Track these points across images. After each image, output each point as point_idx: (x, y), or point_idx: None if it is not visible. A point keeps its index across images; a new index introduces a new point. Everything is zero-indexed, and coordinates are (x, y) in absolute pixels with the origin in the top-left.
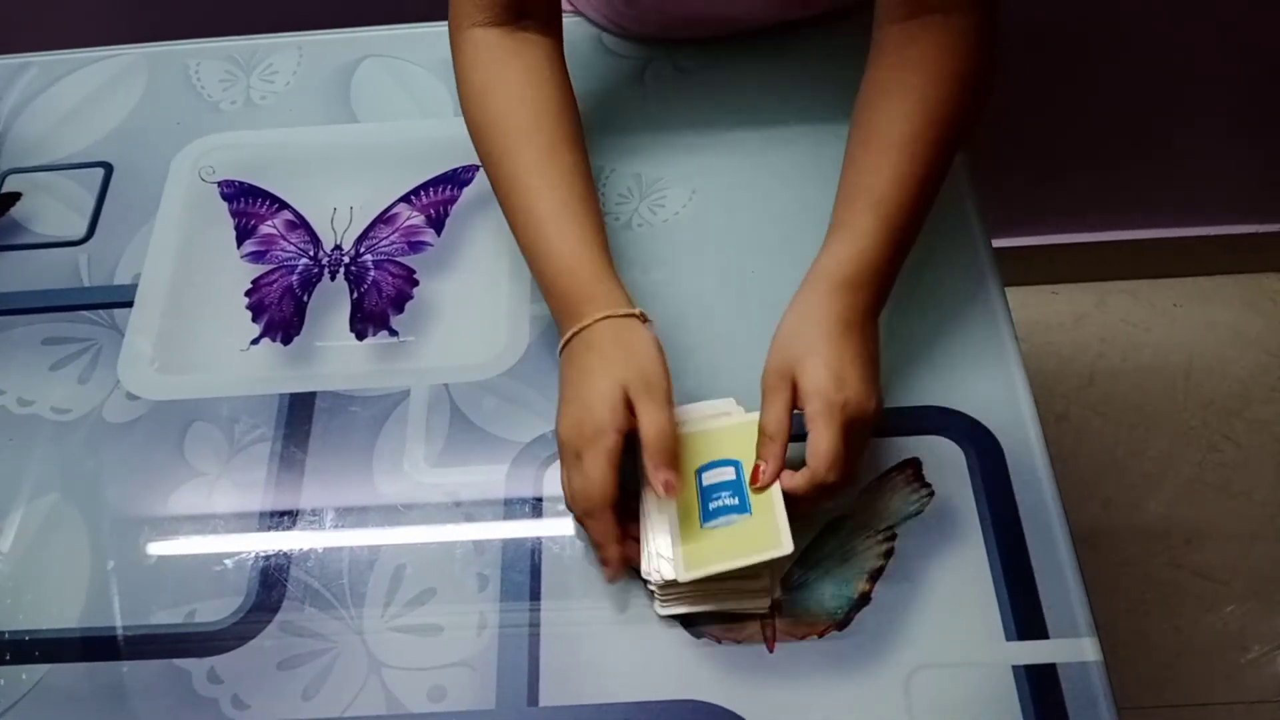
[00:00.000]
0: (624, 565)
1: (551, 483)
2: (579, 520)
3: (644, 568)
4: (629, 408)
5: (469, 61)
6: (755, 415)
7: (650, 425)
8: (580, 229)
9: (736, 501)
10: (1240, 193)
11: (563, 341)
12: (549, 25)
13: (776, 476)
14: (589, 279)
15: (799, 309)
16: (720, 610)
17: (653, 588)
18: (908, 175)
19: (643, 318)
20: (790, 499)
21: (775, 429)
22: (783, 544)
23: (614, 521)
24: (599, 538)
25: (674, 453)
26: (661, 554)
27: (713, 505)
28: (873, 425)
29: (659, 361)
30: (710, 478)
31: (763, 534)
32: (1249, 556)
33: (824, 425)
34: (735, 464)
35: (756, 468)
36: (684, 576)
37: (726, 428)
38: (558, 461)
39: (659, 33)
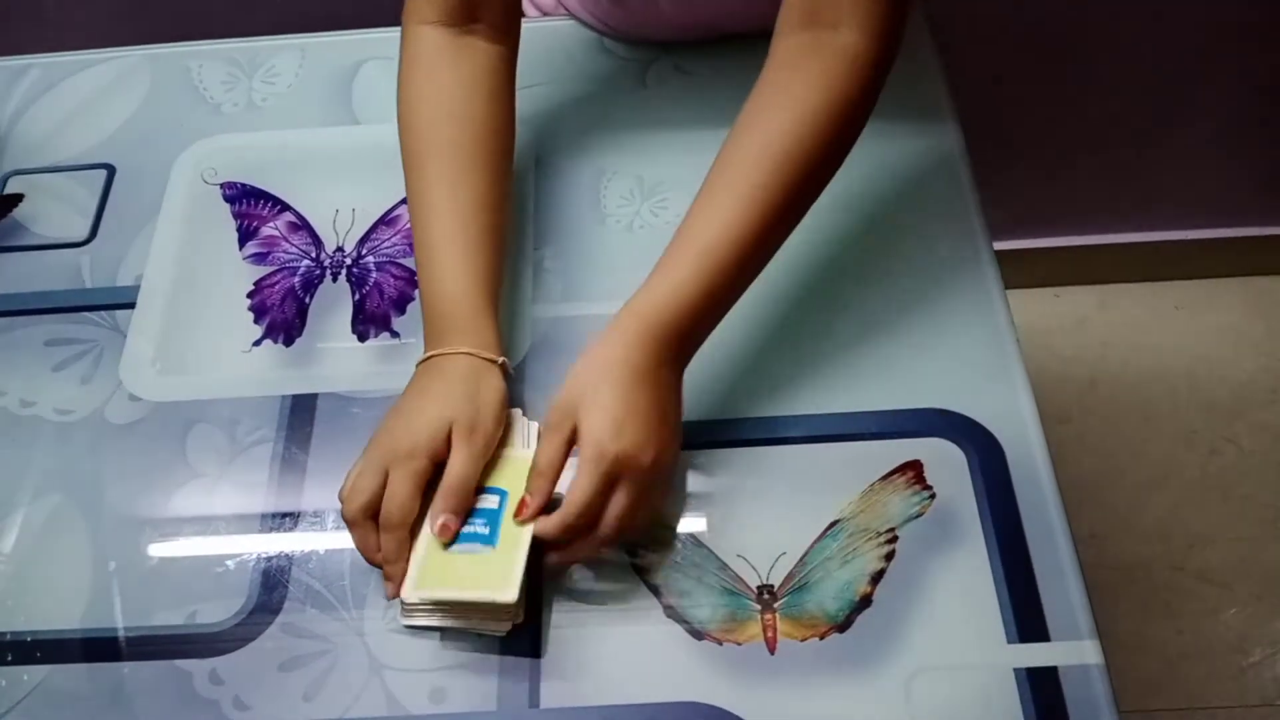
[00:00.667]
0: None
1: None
2: (349, 524)
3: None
4: (448, 442)
5: (410, 59)
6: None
7: (454, 466)
8: (471, 259)
9: (487, 531)
10: (1242, 195)
11: (422, 358)
12: (501, 31)
13: (538, 512)
14: (466, 312)
15: (598, 348)
16: (462, 628)
17: (402, 598)
18: (745, 226)
19: (504, 367)
20: (550, 544)
21: (545, 465)
22: (507, 591)
23: (407, 540)
24: (389, 554)
25: (465, 499)
26: (421, 575)
27: (465, 529)
28: (656, 478)
29: (496, 417)
30: (475, 501)
31: (495, 573)
32: (1251, 560)
33: (587, 472)
34: (502, 493)
35: (522, 501)
36: (408, 595)
37: (513, 457)
38: None
39: (651, 35)
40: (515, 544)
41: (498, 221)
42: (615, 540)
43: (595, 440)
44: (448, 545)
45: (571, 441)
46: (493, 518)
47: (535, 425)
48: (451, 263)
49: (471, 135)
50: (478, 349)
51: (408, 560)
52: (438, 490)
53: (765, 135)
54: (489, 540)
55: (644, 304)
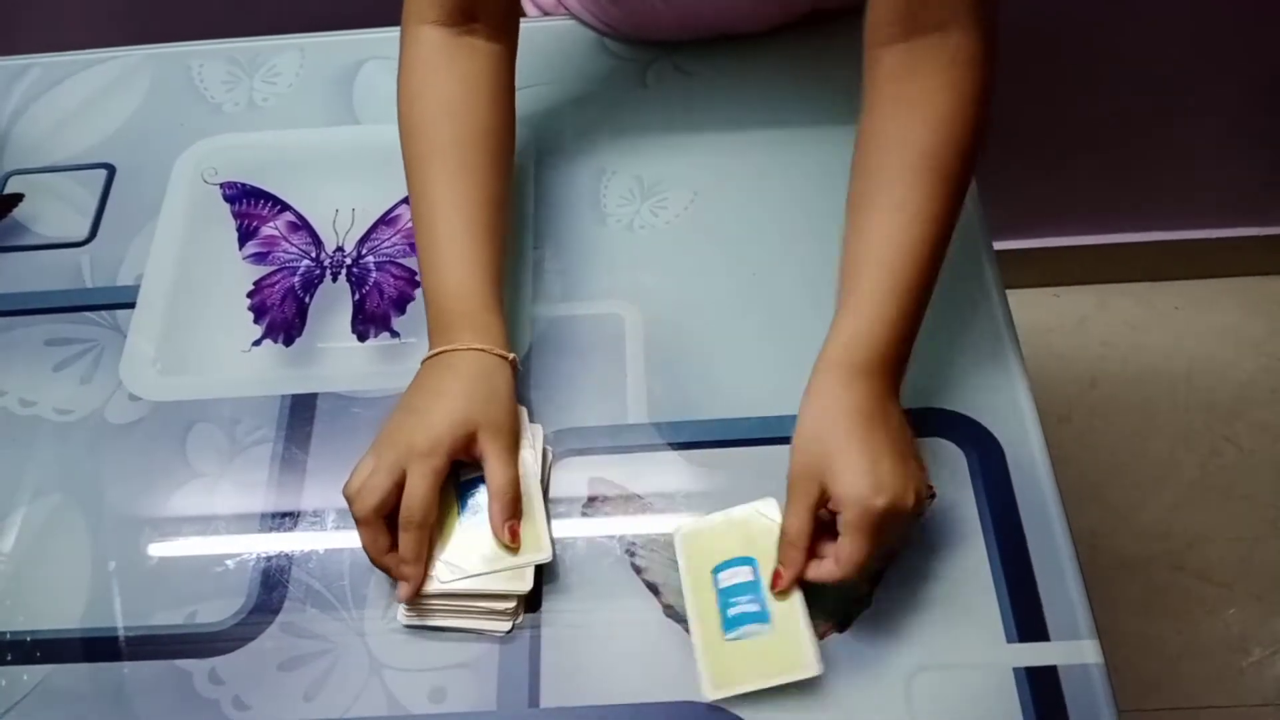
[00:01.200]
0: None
1: (554, 484)
2: (360, 523)
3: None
4: (472, 442)
5: (410, 60)
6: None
7: (499, 473)
8: (476, 256)
9: (756, 609)
10: (1241, 195)
11: (429, 354)
12: (500, 31)
13: (793, 583)
14: (474, 308)
15: (817, 402)
16: (462, 628)
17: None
18: (917, 239)
19: (514, 364)
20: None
21: (798, 535)
22: (810, 665)
23: (426, 540)
24: (408, 554)
25: (517, 503)
26: (449, 561)
27: (731, 612)
28: (917, 510)
29: (513, 412)
30: (728, 578)
31: (790, 651)
32: (1251, 559)
33: (858, 534)
34: (751, 562)
35: (777, 573)
36: (710, 695)
37: (751, 529)
38: (558, 465)
39: (649, 35)
40: (792, 616)
41: (500, 219)
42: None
43: (857, 501)
44: (725, 630)
45: (819, 504)
46: (755, 591)
47: (539, 427)
48: (457, 259)
49: (472, 134)
50: (489, 345)
51: (422, 560)
52: (492, 498)
53: (908, 149)
54: (762, 618)
55: (843, 346)
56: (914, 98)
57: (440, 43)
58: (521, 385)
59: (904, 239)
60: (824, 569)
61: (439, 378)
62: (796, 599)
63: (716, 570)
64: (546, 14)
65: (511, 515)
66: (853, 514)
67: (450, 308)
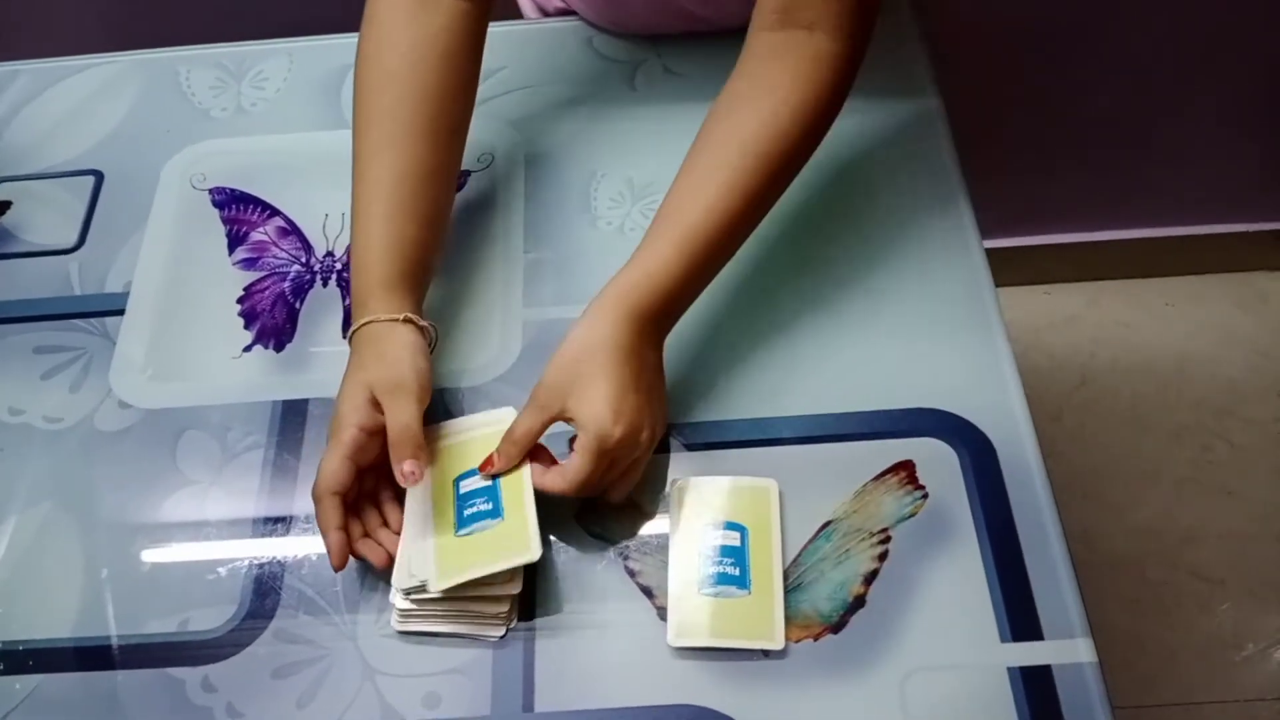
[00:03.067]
0: (343, 554)
1: None
2: (314, 501)
3: (395, 577)
4: (376, 407)
5: (368, 16)
6: (504, 410)
7: (392, 421)
8: (390, 229)
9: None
10: (1231, 192)
11: (351, 330)
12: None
13: (502, 472)
14: (374, 282)
15: (585, 331)
16: (456, 634)
17: (394, 604)
18: (722, 207)
19: (409, 320)
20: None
21: (522, 435)
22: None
23: (336, 510)
24: (320, 524)
25: (412, 447)
26: (413, 564)
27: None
28: (649, 453)
29: (409, 364)
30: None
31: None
32: (1243, 555)
33: (588, 458)
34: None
35: (488, 459)
36: (435, 588)
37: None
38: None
39: (628, 24)
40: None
41: (431, 190)
42: (622, 493)
43: (596, 427)
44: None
45: (553, 420)
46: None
47: None
48: (369, 233)
49: (414, 100)
50: (380, 313)
51: (337, 529)
52: (390, 446)
53: (743, 128)
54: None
55: (627, 286)
56: (766, 83)
57: (403, 2)
58: (513, 388)
59: (710, 208)
60: (549, 478)
61: (350, 360)
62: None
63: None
64: (546, 14)
65: (406, 456)
66: (588, 438)
67: (359, 285)
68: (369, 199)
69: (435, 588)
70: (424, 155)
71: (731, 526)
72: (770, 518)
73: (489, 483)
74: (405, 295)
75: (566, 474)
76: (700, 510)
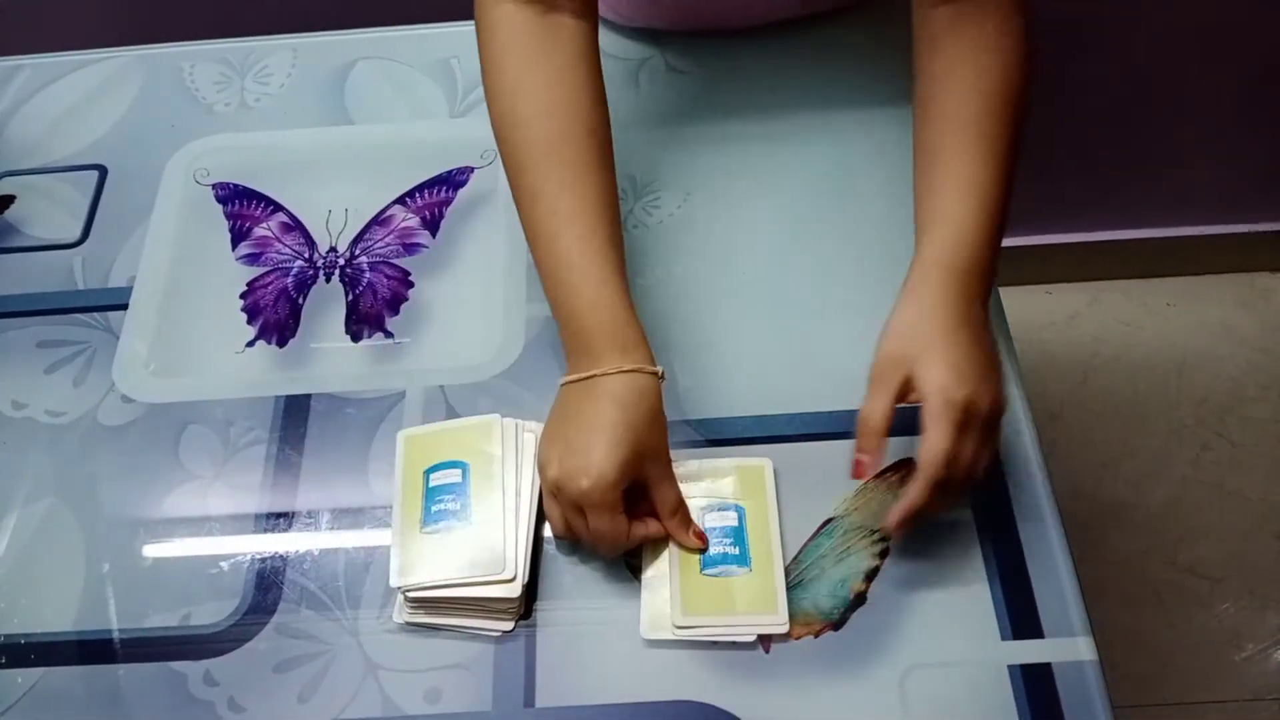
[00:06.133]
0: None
1: None
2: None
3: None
4: (637, 468)
5: (500, 45)
6: (489, 416)
7: (668, 500)
8: (605, 265)
9: (737, 552)
10: (1231, 192)
11: (575, 376)
12: (585, 7)
13: (878, 469)
14: (615, 323)
15: (913, 298)
16: (459, 627)
17: (403, 594)
18: (991, 155)
19: (662, 377)
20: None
21: (879, 420)
22: (780, 617)
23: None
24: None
25: (689, 519)
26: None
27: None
28: (998, 418)
29: (665, 429)
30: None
31: (758, 595)
32: (1243, 554)
33: (941, 423)
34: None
35: (858, 462)
36: (678, 620)
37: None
38: None
39: (652, 23)
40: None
41: (618, 220)
42: (969, 488)
43: (942, 391)
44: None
45: (901, 396)
46: (738, 536)
47: (530, 437)
48: (586, 270)
49: (581, 129)
50: (638, 363)
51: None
52: (666, 519)
53: (973, 93)
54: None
55: (941, 252)
56: (972, 39)
57: (528, 25)
58: (515, 385)
59: (982, 155)
60: (912, 487)
61: (594, 404)
62: (776, 550)
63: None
64: None
65: (688, 525)
66: (935, 402)
67: (589, 326)
68: (568, 233)
69: (393, 582)
70: (605, 183)
71: (728, 507)
72: (766, 496)
73: (459, 479)
74: (643, 337)
75: (924, 454)
76: (695, 492)
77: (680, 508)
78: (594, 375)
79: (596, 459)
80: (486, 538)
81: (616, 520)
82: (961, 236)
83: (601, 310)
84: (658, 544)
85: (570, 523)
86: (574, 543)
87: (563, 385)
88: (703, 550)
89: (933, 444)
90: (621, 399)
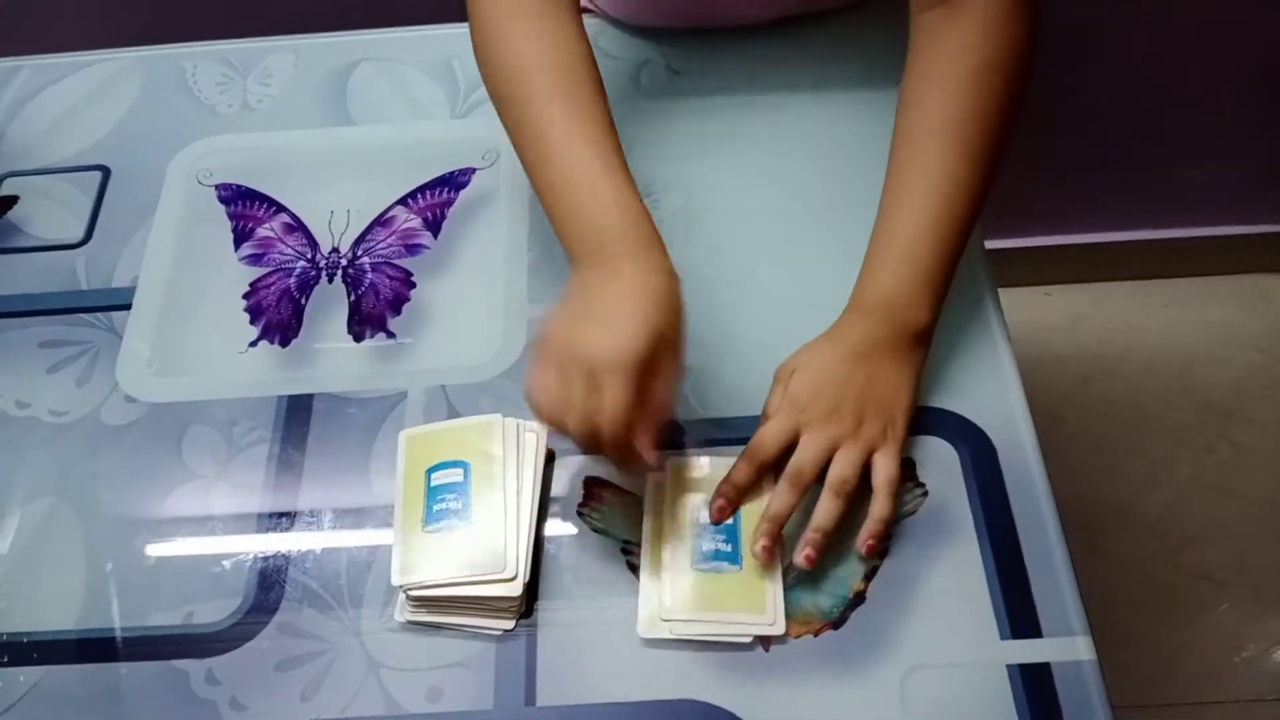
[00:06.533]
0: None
1: (549, 484)
2: (591, 443)
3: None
4: (651, 361)
5: (489, 10)
6: (491, 416)
7: (667, 395)
8: (621, 178)
9: (730, 549)
10: (1233, 194)
11: (600, 273)
12: (572, 10)
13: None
14: (640, 234)
15: (822, 340)
16: (460, 625)
17: (405, 592)
18: (940, 217)
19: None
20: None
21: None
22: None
23: (629, 438)
24: (627, 462)
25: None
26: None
27: (706, 547)
28: (886, 439)
29: (683, 330)
30: (439, 478)
31: (751, 596)
32: (1245, 556)
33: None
34: (464, 465)
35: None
36: (396, 581)
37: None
38: (554, 463)
39: (653, 21)
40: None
41: (620, 146)
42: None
43: (789, 399)
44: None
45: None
46: (731, 534)
47: (531, 436)
48: (603, 181)
49: (581, 77)
50: (662, 264)
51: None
52: (656, 408)
53: (944, 96)
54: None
55: (862, 290)
56: (953, 50)
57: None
58: (519, 385)
59: (927, 215)
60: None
61: (620, 288)
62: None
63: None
64: None
65: (649, 430)
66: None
67: (614, 233)
68: (578, 156)
69: (395, 581)
70: (608, 123)
71: (453, 464)
72: (762, 495)
73: (461, 479)
74: (662, 247)
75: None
76: (687, 488)
77: (667, 409)
78: (620, 270)
79: (626, 325)
80: (487, 537)
81: (627, 395)
82: (885, 276)
83: (625, 221)
84: (656, 542)
85: (567, 397)
86: (560, 427)
87: (579, 281)
88: (711, 524)
89: (765, 439)
90: (652, 290)
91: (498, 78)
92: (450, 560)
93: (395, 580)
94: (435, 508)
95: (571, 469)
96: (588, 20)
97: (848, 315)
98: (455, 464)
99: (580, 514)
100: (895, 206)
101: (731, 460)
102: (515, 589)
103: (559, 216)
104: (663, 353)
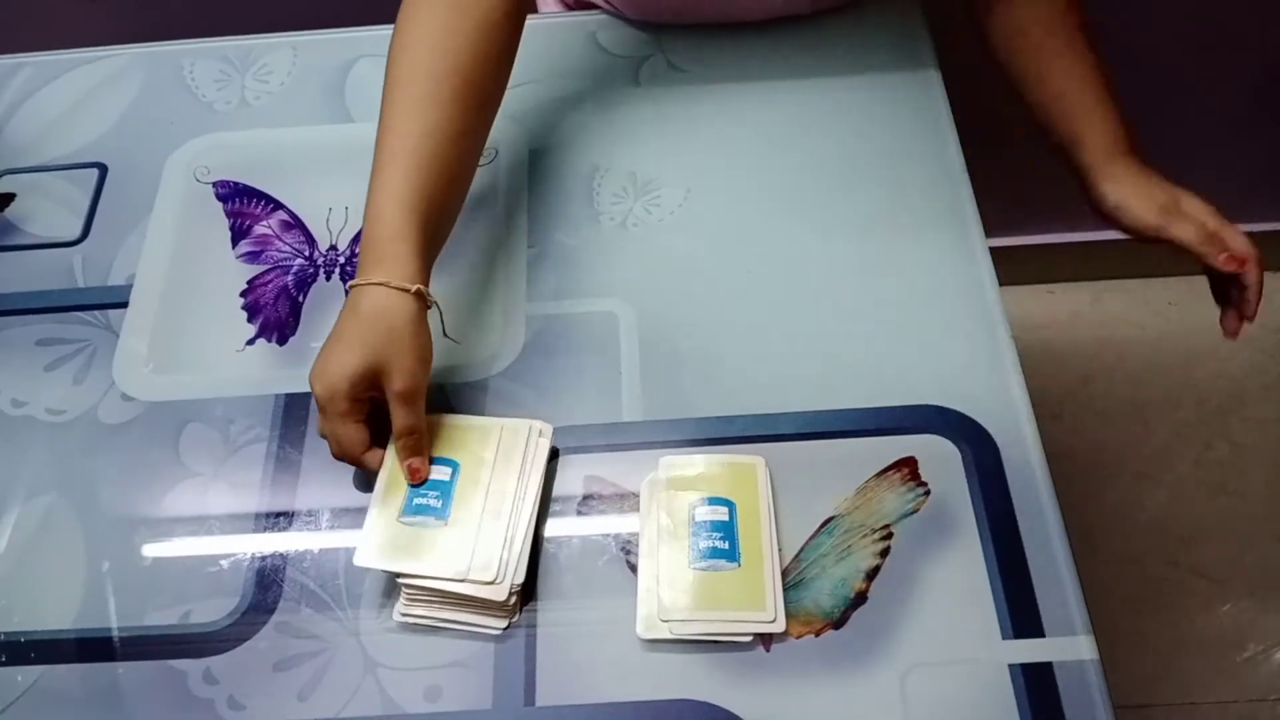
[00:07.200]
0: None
1: (551, 483)
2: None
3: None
4: (372, 382)
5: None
6: (494, 420)
7: (397, 421)
8: (409, 180)
9: (726, 546)
10: (1234, 192)
11: (351, 284)
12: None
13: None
14: (389, 235)
15: (1131, 178)
16: (458, 624)
17: (401, 584)
18: (1094, 55)
19: (418, 295)
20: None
21: (1214, 227)
22: (776, 619)
23: (374, 458)
24: (359, 465)
25: (421, 443)
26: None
27: (417, 501)
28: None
29: (416, 348)
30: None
31: (748, 594)
32: (1245, 555)
33: (1227, 226)
34: (453, 464)
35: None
36: (359, 560)
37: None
38: (554, 463)
39: (656, 16)
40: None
41: (458, 151)
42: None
43: (1214, 213)
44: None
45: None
46: (728, 531)
47: (546, 440)
48: (386, 183)
49: (450, 66)
50: (391, 278)
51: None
52: (394, 439)
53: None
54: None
55: (1113, 141)
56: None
57: None
58: (516, 383)
59: (1091, 60)
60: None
61: (343, 319)
62: (770, 551)
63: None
64: (568, 7)
65: (412, 453)
66: (1215, 220)
67: (369, 234)
68: (392, 152)
69: (358, 560)
70: (454, 115)
71: (718, 501)
72: (758, 493)
73: (447, 478)
74: (419, 255)
75: (1241, 245)
76: (684, 487)
77: (410, 435)
78: (355, 285)
79: (330, 366)
80: (458, 540)
81: (346, 428)
82: (1116, 129)
83: (383, 222)
84: (654, 542)
85: (321, 420)
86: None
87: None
88: (412, 483)
89: (1239, 239)
90: (364, 313)
91: (388, 58)
92: (417, 555)
93: (357, 559)
94: (415, 501)
95: (572, 468)
96: (591, 16)
97: (1126, 158)
98: (445, 461)
99: (580, 513)
100: (1068, 73)
101: (731, 460)
102: (500, 593)
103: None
104: (381, 376)
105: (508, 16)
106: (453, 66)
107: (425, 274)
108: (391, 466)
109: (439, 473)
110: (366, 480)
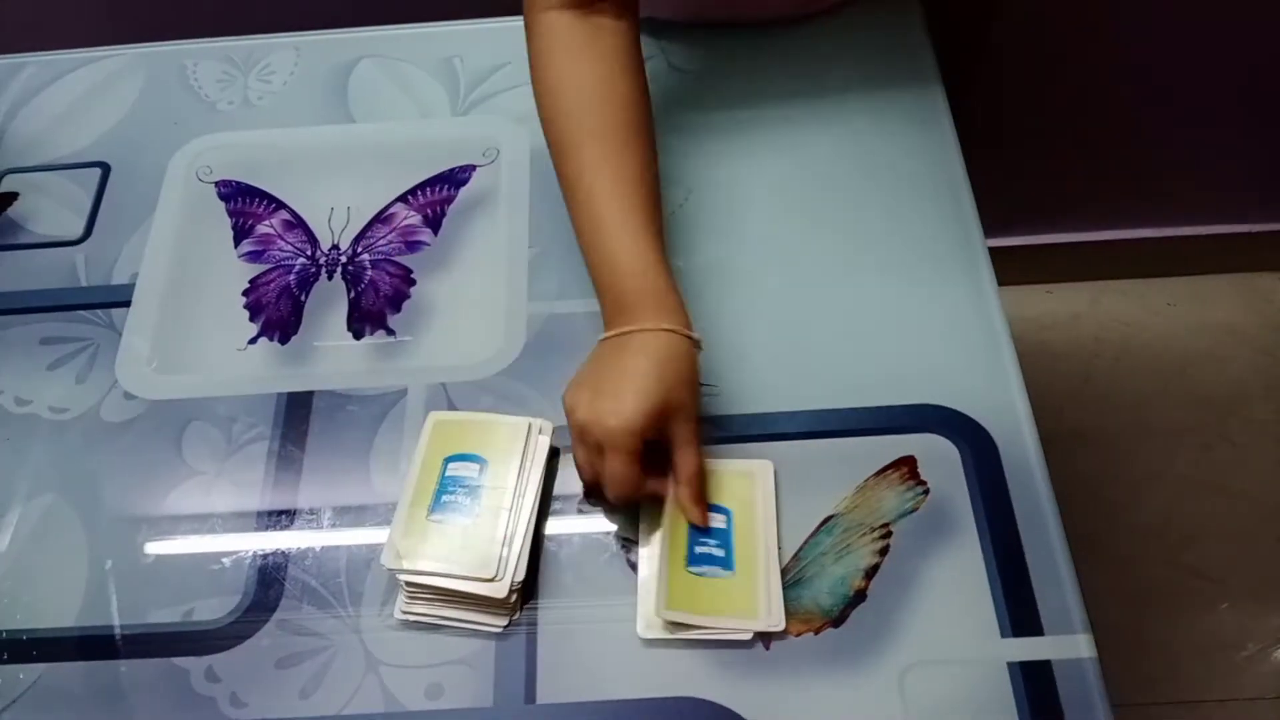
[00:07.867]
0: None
1: (552, 481)
2: (605, 501)
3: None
4: (659, 428)
5: (544, 48)
6: (521, 418)
7: (688, 464)
8: (648, 237)
9: (723, 554)
10: (1234, 192)
11: (614, 332)
12: (625, 8)
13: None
14: (657, 286)
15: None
16: (459, 622)
17: (401, 581)
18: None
19: (699, 345)
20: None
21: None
22: (772, 618)
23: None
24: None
25: (704, 486)
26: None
27: (699, 548)
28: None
29: (697, 395)
30: (455, 469)
31: (741, 599)
32: (1245, 555)
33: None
34: (728, 512)
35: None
36: (664, 615)
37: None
38: (554, 461)
39: (661, 13)
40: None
41: (658, 197)
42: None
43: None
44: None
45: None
46: (724, 539)
47: (545, 439)
48: (628, 237)
49: (621, 118)
50: (677, 325)
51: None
52: (682, 485)
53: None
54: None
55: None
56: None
57: (569, 27)
58: (518, 382)
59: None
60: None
61: (630, 360)
62: (766, 557)
63: (449, 459)
64: None
65: (698, 498)
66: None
67: (630, 286)
68: (608, 207)
69: (383, 561)
70: (643, 166)
71: (716, 509)
72: (759, 501)
73: (475, 473)
74: (682, 303)
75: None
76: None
77: (696, 477)
78: (631, 331)
79: (626, 403)
80: (482, 538)
81: (632, 467)
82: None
83: (641, 275)
84: (654, 541)
85: (592, 463)
86: (594, 490)
87: (600, 341)
88: (701, 529)
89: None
90: (656, 354)
91: (544, 118)
92: (444, 554)
93: (384, 560)
94: (444, 498)
95: (573, 466)
96: None
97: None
98: (473, 458)
99: (581, 511)
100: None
101: (730, 459)
102: (500, 590)
103: (590, 267)
104: (671, 418)
105: (638, 54)
106: (626, 117)
107: (691, 322)
108: (421, 463)
109: (468, 469)
110: (367, 481)
